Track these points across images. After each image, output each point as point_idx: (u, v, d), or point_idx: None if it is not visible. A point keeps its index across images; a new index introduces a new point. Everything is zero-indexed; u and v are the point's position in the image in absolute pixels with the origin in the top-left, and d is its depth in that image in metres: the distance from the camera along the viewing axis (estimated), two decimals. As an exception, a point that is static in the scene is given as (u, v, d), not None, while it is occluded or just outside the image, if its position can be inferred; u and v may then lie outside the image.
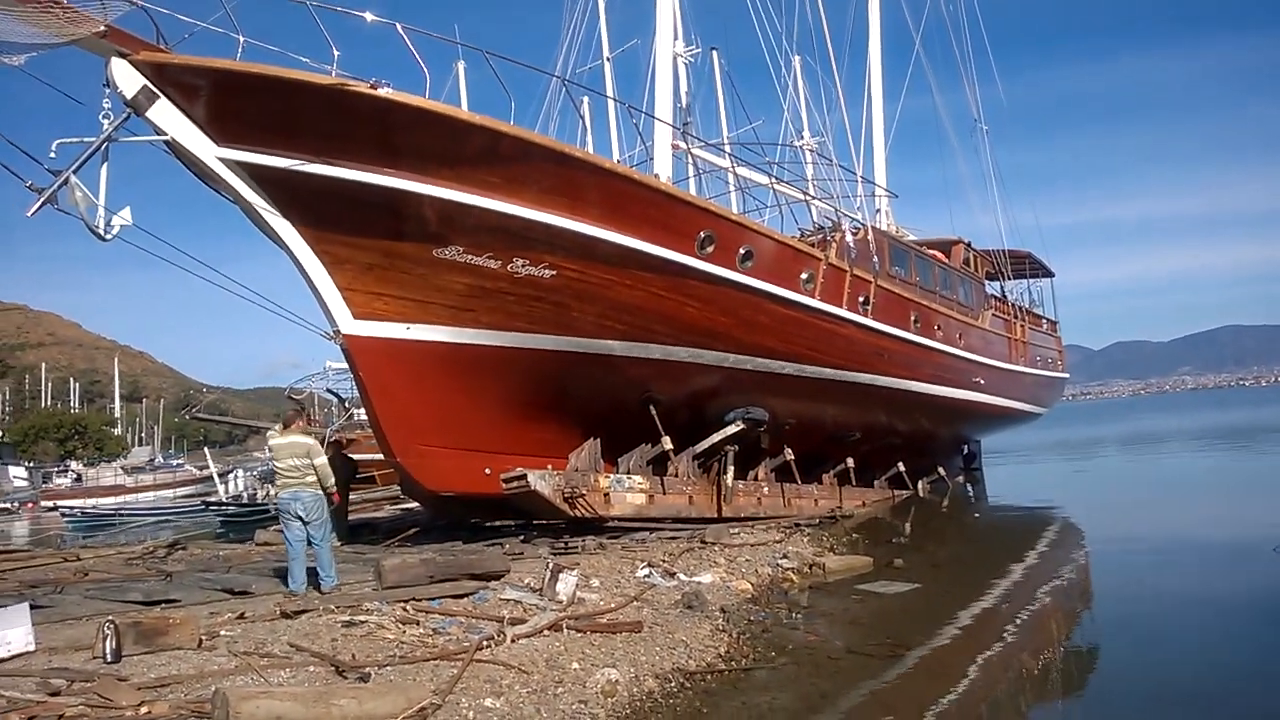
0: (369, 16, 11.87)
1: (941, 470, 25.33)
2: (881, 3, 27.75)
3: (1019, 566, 14.02)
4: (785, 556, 13.28)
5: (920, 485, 23.87)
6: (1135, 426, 65.57)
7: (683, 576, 11.24)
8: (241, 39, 11.00)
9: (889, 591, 11.60)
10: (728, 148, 23.81)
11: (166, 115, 11.27)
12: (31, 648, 7.27)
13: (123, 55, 10.79)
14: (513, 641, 7.61)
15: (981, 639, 9.75)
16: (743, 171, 21.27)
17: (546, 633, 8.00)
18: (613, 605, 9.34)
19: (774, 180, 21.10)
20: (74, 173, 10.33)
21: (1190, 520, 17.91)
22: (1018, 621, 10.41)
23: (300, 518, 9.65)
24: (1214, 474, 28.29)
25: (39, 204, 10.22)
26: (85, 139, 10.55)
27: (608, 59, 31.46)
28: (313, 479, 9.78)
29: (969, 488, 27.50)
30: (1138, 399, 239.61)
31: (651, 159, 18.24)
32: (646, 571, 11.16)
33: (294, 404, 21.69)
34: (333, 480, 10.13)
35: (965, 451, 30.10)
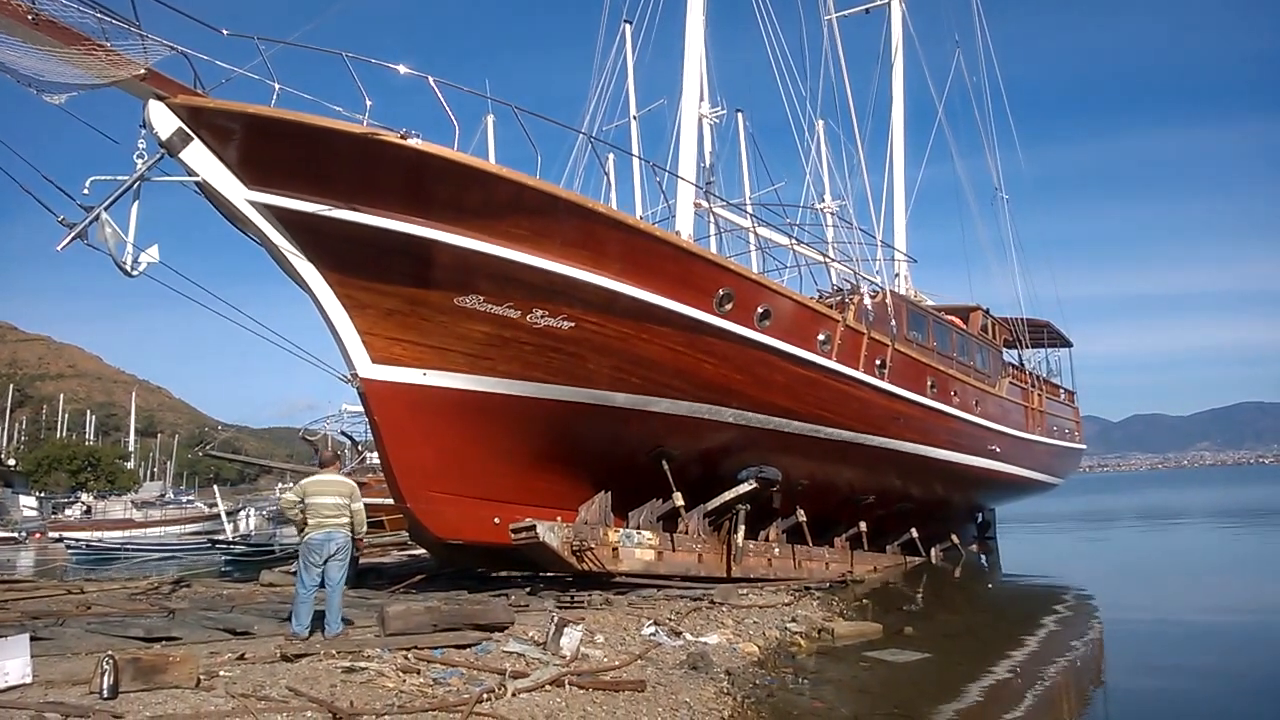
0: (402, 69, 12.15)
1: (955, 538, 25.03)
2: (905, 70, 28.24)
3: (1032, 639, 13.77)
4: (794, 620, 13.10)
5: (933, 552, 23.61)
6: (1152, 500, 64.66)
7: (689, 636, 11.08)
8: (277, 86, 11.25)
9: (899, 660, 11.40)
10: (749, 208, 24.03)
11: (199, 157, 11.50)
12: (28, 680, 7.23)
13: (160, 98, 11.03)
14: (513, 695, 7.51)
15: (991, 713, 9.55)
16: (763, 232, 21.41)
17: (548, 688, 7.89)
18: (617, 663, 9.21)
19: (794, 241, 21.24)
20: (106, 209, 10.52)
21: (1207, 599, 17.59)
22: (1029, 696, 10.18)
23: (326, 557, 9.50)
24: (1231, 552, 27.79)
25: (69, 238, 10.38)
26: (118, 177, 10.75)
27: (634, 117, 32.01)
28: (346, 521, 9.66)
29: (983, 556, 27.16)
30: (1156, 473, 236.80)
31: (673, 216, 18.42)
32: (652, 629, 11.01)
33: (306, 444, 21.75)
34: (365, 528, 10.10)
35: (980, 519, 29.80)
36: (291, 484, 13.14)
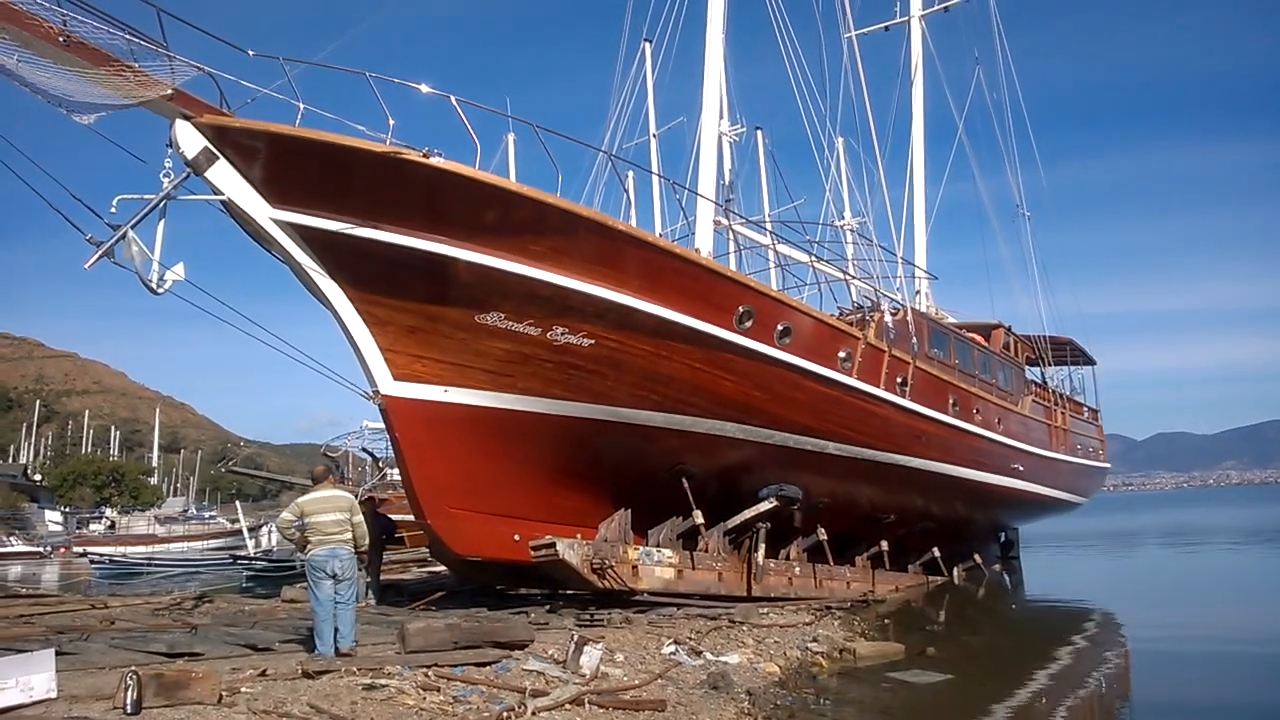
0: (424, 88, 12.29)
1: (978, 557, 24.78)
2: (925, 87, 28.23)
3: (1056, 661, 13.58)
4: (815, 640, 12.99)
5: (956, 572, 23.36)
6: (1179, 520, 63.78)
7: (709, 655, 11.01)
8: (301, 106, 11.39)
9: (921, 681, 11.27)
10: (769, 225, 24.03)
11: (224, 176, 11.64)
12: (53, 694, 7.26)
13: (187, 117, 11.20)
14: (533, 714, 7.48)
15: (1016, 737, 9.42)
16: (783, 249, 21.42)
17: (568, 707, 7.85)
18: (637, 682, 9.16)
19: (814, 259, 21.21)
20: (133, 228, 10.66)
21: (1237, 622, 17.25)
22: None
23: (334, 576, 9.37)
24: (1262, 574, 27.34)
25: (96, 256, 10.54)
26: (145, 196, 10.90)
27: (654, 135, 32.15)
28: (349, 536, 9.53)
29: (1006, 576, 26.86)
30: (1181, 492, 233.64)
31: (693, 234, 18.44)
32: (672, 648, 10.95)
33: (325, 459, 21.84)
34: (367, 541, 10.05)
35: (1003, 539, 29.49)
36: None
